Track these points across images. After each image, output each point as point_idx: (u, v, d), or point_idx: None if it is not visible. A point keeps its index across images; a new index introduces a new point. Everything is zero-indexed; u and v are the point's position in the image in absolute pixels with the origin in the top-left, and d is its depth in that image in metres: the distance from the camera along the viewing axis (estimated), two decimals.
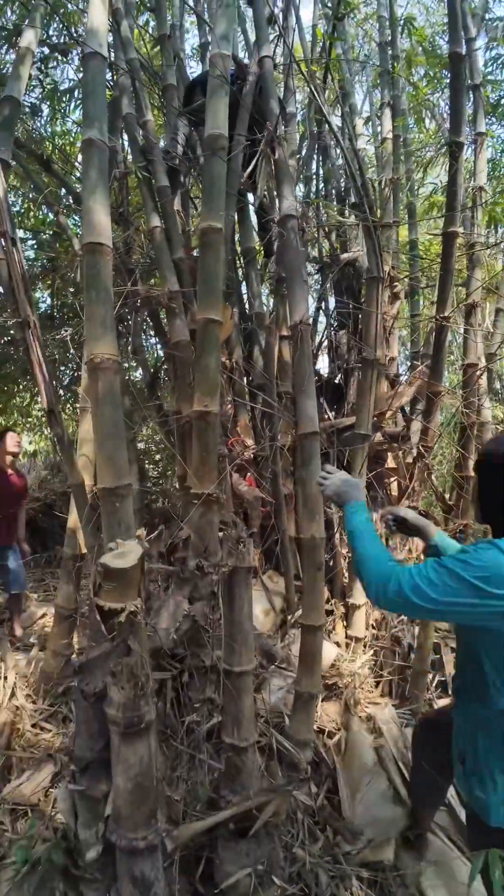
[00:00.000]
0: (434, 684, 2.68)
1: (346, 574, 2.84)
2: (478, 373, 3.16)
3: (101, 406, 1.74)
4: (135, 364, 4.28)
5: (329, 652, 2.54)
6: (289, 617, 2.62)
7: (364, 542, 1.39)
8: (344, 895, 1.73)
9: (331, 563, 2.81)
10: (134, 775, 1.42)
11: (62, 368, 5.01)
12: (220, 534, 2.05)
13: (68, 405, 5.25)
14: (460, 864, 1.86)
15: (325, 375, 3.32)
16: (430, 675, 2.68)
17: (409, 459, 3.11)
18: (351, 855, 1.85)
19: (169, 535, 2.56)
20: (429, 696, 2.57)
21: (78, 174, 4.39)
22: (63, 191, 4.08)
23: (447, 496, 3.46)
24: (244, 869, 1.56)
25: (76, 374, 5.21)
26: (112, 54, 2.90)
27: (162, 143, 2.90)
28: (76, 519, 2.53)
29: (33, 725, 2.31)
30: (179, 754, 1.91)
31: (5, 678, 2.46)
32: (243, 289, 3.11)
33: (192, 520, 2.04)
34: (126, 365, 4.08)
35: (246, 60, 3.36)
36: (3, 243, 2.41)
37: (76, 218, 4.51)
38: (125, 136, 3.12)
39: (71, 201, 3.93)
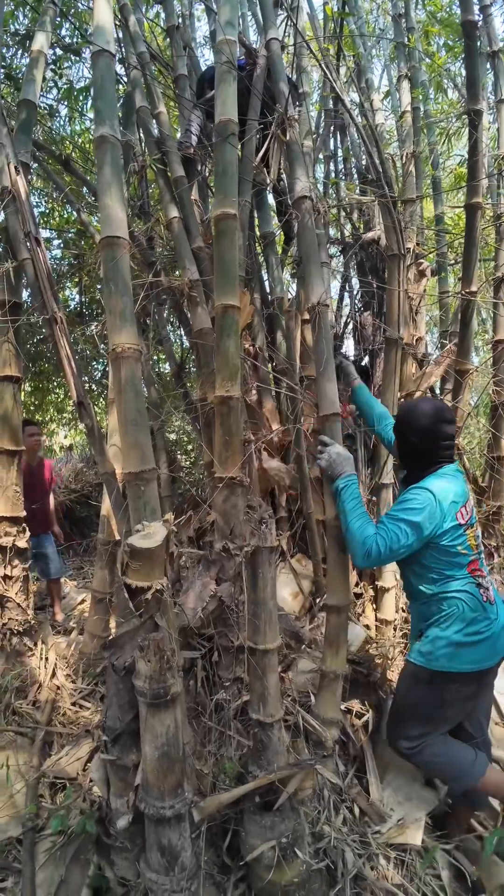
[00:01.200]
0: None
1: None
2: None
3: (124, 394, 1.79)
4: (163, 356, 4.36)
5: (359, 634, 2.55)
6: (317, 600, 2.64)
7: (352, 517, 1.80)
8: (370, 874, 1.75)
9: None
10: (161, 745, 1.49)
11: (93, 364, 5.15)
12: (245, 516, 2.09)
13: (101, 399, 5.40)
14: None
15: (352, 358, 3.29)
16: None
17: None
18: (379, 834, 1.87)
19: (197, 519, 2.62)
20: None
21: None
22: (84, 189, 4.17)
23: (479, 478, 3.38)
24: (268, 842, 1.60)
25: (107, 368, 5.35)
26: (122, 50, 2.94)
27: (178, 135, 2.93)
28: (109, 506, 2.62)
29: (73, 703, 2.42)
30: (209, 731, 1.97)
31: (47, 659, 2.58)
32: (264, 274, 3.11)
33: (217, 503, 2.08)
34: (154, 357, 4.15)
35: (256, 45, 3.33)
36: (28, 244, 2.51)
37: (98, 215, 4.61)
38: (140, 130, 3.17)
39: (92, 199, 4.01)
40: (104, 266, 1.82)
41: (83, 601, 3.68)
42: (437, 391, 3.36)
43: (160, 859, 1.54)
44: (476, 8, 2.57)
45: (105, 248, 1.81)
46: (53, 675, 2.50)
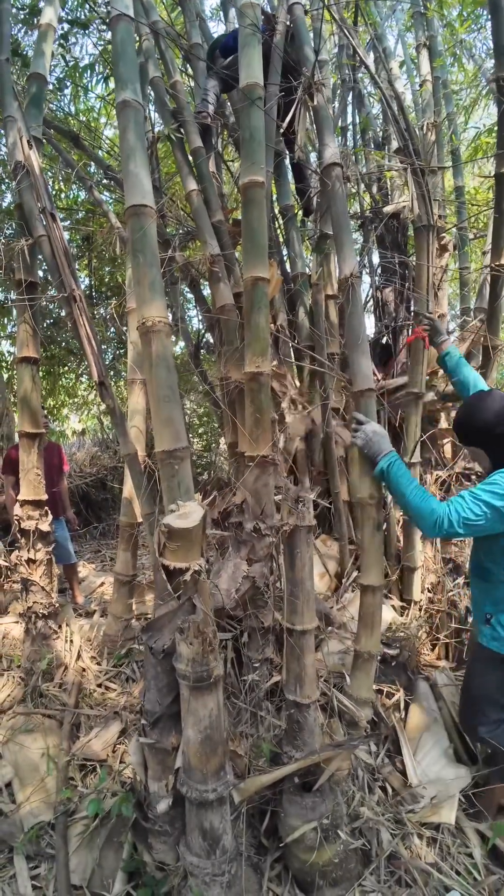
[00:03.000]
0: None
1: (401, 537, 2.79)
2: None
3: (156, 369, 1.73)
4: (176, 337, 4.29)
5: (385, 615, 2.53)
6: (344, 580, 2.61)
7: (408, 490, 1.72)
8: (405, 853, 1.75)
9: (384, 527, 2.76)
10: (204, 728, 1.47)
11: (104, 346, 5.07)
12: (277, 496, 2.04)
13: (113, 382, 5.34)
14: None
15: (372, 336, 3.21)
16: None
17: None
18: (413, 813, 1.86)
19: (222, 501, 2.58)
20: None
21: (106, 149, 4.35)
22: (93, 167, 4.06)
23: None
24: (309, 823, 1.59)
25: (118, 351, 5.28)
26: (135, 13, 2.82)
27: (190, 104, 2.82)
28: (131, 488, 2.58)
29: (99, 685, 2.41)
30: (241, 711, 1.95)
31: (71, 642, 2.57)
32: (283, 249, 3.03)
33: (248, 483, 2.04)
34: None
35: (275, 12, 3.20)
36: (44, 220, 2.43)
37: (108, 194, 4.50)
38: (153, 102, 3.06)
39: (103, 176, 3.91)
40: (131, 236, 1.75)
41: (102, 584, 3.66)
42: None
43: (202, 842, 1.52)
44: None
45: (132, 217, 1.73)
46: (79, 657, 2.49)
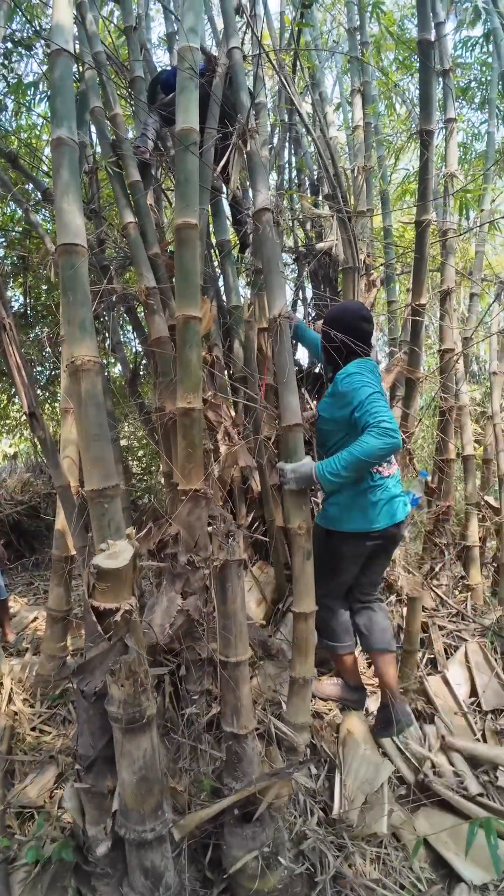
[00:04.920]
0: (423, 662, 2.77)
1: None
2: (455, 357, 3.22)
3: (85, 408, 1.73)
4: (113, 360, 4.25)
5: None
6: (280, 606, 2.67)
7: (345, 463, 1.91)
8: (349, 872, 1.79)
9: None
10: (139, 769, 1.46)
11: (39, 368, 4.94)
12: (210, 528, 2.07)
13: (47, 404, 5.19)
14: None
15: (305, 366, 3.34)
16: (420, 654, 2.76)
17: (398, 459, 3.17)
18: (351, 829, 1.91)
19: (158, 532, 2.57)
20: (419, 673, 2.65)
21: (45, 168, 4.29)
22: (30, 186, 3.99)
23: (429, 479, 3.54)
24: (251, 852, 1.61)
25: (53, 372, 5.15)
26: (77, 47, 2.84)
27: (130, 134, 2.86)
28: (64, 521, 2.53)
29: (32, 729, 2.31)
30: (181, 746, 1.95)
31: (1, 684, 2.46)
32: (220, 282, 3.10)
33: (181, 516, 2.06)
34: (105, 362, 4.04)
35: (214, 51, 3.32)
36: None
37: (45, 213, 4.43)
38: (93, 130, 3.07)
39: (40, 197, 3.85)
40: (62, 275, 1.76)
41: (35, 619, 3.52)
42: (388, 398, 3.48)
43: (144, 882, 1.51)
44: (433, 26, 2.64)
45: (63, 254, 1.74)
46: (10, 700, 2.38)
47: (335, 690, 2.39)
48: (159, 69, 3.37)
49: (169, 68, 3.31)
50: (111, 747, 1.53)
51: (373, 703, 2.43)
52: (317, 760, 2.12)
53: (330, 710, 2.36)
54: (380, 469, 2.14)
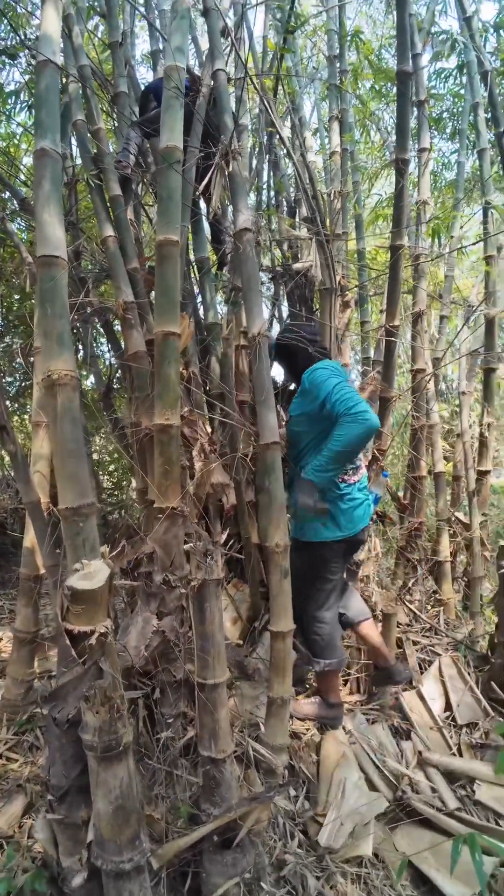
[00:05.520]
0: None
1: None
2: (426, 378, 3.30)
3: (60, 423, 1.69)
4: (85, 372, 4.19)
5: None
6: (256, 624, 2.64)
7: (329, 460, 2.06)
8: (331, 893, 1.76)
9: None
10: (115, 798, 1.41)
11: (9, 379, 4.81)
12: (186, 546, 2.04)
13: (16, 416, 5.06)
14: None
15: (281, 382, 3.37)
16: None
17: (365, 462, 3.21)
18: (334, 853, 1.89)
19: (132, 550, 2.52)
20: (394, 689, 2.66)
21: (23, 177, 4.24)
22: (7, 195, 3.93)
23: (401, 495, 3.60)
24: (231, 879, 1.57)
25: (23, 384, 5.03)
26: (62, 58, 2.83)
27: (111, 148, 2.85)
28: (33, 538, 2.44)
29: None
30: (156, 772, 1.89)
31: None
32: (198, 298, 3.11)
33: (157, 534, 2.02)
34: (81, 373, 3.98)
35: (197, 70, 3.37)
36: None
37: (20, 222, 4.36)
38: (74, 142, 3.06)
39: (16, 205, 3.79)
40: (41, 287, 1.73)
41: (0, 639, 3.38)
42: None
43: None
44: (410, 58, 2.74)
45: (42, 266, 1.71)
46: None
47: (313, 709, 2.38)
48: (143, 86, 3.39)
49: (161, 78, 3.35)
50: (85, 776, 1.48)
51: (349, 721, 2.42)
52: (296, 782, 2.09)
53: (308, 729, 2.34)
54: (345, 477, 2.26)
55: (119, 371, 3.29)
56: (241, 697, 2.30)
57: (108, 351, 3.98)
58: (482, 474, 3.66)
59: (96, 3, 3.70)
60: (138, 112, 3.20)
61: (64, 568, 1.88)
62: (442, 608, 3.36)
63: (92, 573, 1.51)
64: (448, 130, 5.04)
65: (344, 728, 2.38)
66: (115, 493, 5.04)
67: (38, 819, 1.66)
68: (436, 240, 3.73)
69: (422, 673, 2.82)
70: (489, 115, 3.77)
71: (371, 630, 2.53)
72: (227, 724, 1.74)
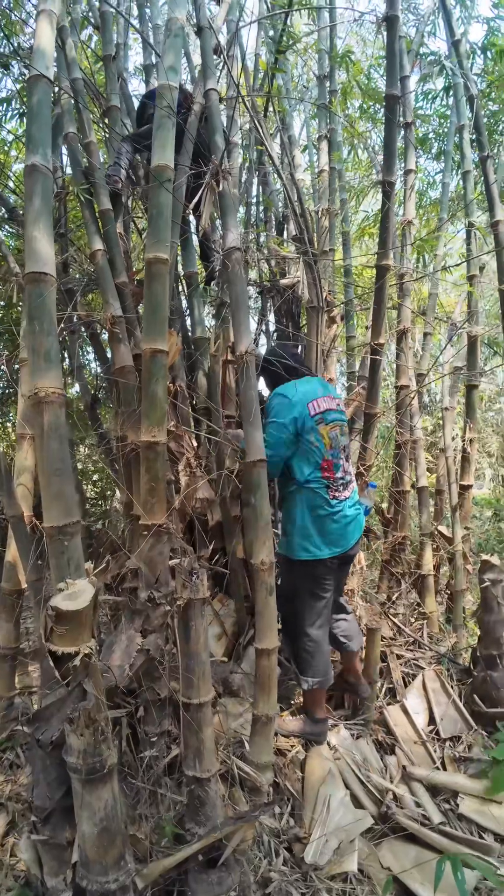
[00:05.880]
0: (383, 692, 2.80)
1: None
2: (410, 394, 3.36)
3: (47, 440, 1.69)
4: (71, 381, 4.16)
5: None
6: (241, 639, 2.64)
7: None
8: None
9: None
10: (100, 820, 1.40)
11: None
12: (172, 563, 2.04)
13: None
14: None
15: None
16: (379, 684, 2.79)
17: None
18: (319, 870, 1.88)
19: (115, 564, 2.51)
20: (378, 703, 2.68)
21: (11, 185, 4.22)
22: None
23: (385, 509, 3.64)
24: None
25: (6, 391, 4.97)
26: (55, 69, 2.84)
27: (102, 158, 2.86)
28: (15, 552, 2.42)
29: None
30: (139, 791, 1.87)
31: None
32: (186, 312, 3.12)
33: (143, 551, 2.02)
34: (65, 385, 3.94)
35: (189, 86, 3.40)
36: None
37: (7, 228, 4.34)
38: (64, 152, 3.06)
39: (4, 213, 3.77)
40: (29, 303, 1.73)
41: None
42: (346, 430, 3.58)
43: None
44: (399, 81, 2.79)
45: (31, 282, 1.71)
46: None
47: (298, 726, 2.38)
48: (136, 99, 3.41)
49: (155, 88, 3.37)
50: (69, 798, 1.46)
51: (334, 737, 2.42)
52: (280, 799, 2.09)
53: (293, 746, 2.34)
54: (335, 494, 2.27)
55: (105, 384, 3.28)
56: (226, 715, 2.30)
57: (95, 361, 3.97)
58: (464, 488, 3.72)
59: (90, 15, 3.71)
60: (136, 119, 3.20)
61: (48, 585, 1.87)
62: (425, 621, 3.39)
63: (76, 593, 1.50)
64: (434, 150, 5.16)
65: (329, 744, 2.39)
66: (99, 503, 4.99)
67: (23, 839, 1.64)
68: (420, 259, 3.82)
69: (405, 687, 2.84)
70: (474, 137, 3.87)
71: (356, 661, 2.64)
72: (212, 743, 1.74)
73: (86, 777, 1.37)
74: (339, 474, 2.30)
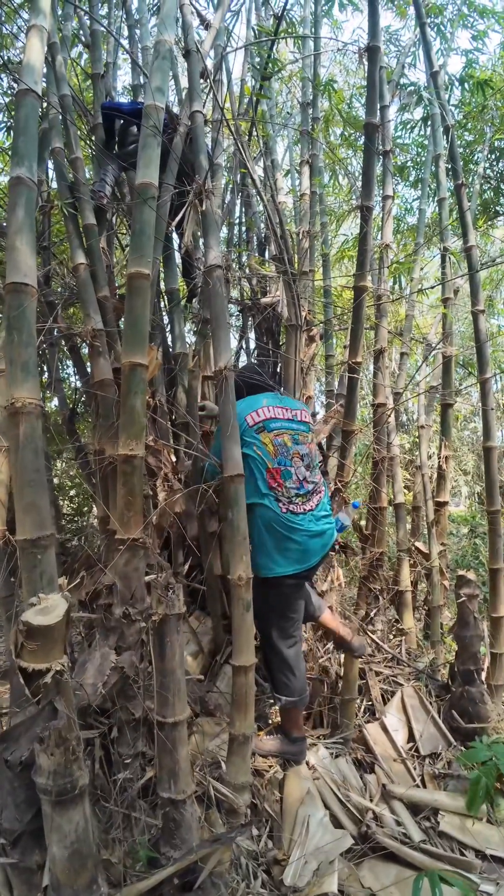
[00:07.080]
0: (362, 710, 2.78)
1: None
2: (387, 412, 3.42)
3: (22, 452, 1.67)
4: (50, 394, 4.12)
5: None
6: (218, 657, 2.60)
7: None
8: None
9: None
10: (70, 843, 1.35)
11: None
12: (148, 578, 2.01)
13: None
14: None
15: None
16: (358, 702, 2.78)
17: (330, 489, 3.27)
18: (299, 891, 1.84)
19: (91, 580, 2.46)
20: (358, 721, 2.66)
21: None
22: None
23: (363, 526, 3.66)
24: None
25: None
26: (43, 84, 2.87)
27: (88, 174, 2.89)
28: None
29: None
30: (113, 815, 1.81)
31: None
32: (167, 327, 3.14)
33: (118, 566, 1.99)
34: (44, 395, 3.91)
35: (175, 108, 3.47)
36: None
37: None
38: (50, 167, 3.08)
39: None
40: (8, 314, 1.72)
41: None
42: (324, 447, 3.61)
43: None
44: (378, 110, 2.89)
45: (11, 293, 1.71)
46: None
47: (276, 745, 2.34)
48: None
49: (124, 101, 3.42)
50: (39, 820, 1.41)
51: (312, 756, 2.39)
52: (258, 821, 2.04)
53: (270, 766, 2.30)
54: (291, 507, 2.20)
55: (84, 396, 3.26)
56: (202, 735, 2.25)
57: (74, 374, 3.94)
58: (440, 505, 3.77)
59: (81, 33, 3.78)
60: (118, 135, 3.23)
61: (19, 600, 1.82)
62: (404, 638, 3.40)
63: (49, 608, 1.47)
64: (412, 178, 5.36)
65: (307, 763, 2.35)
66: (76, 518, 4.91)
67: None
68: (397, 281, 3.92)
69: (385, 704, 2.83)
70: (449, 166, 4.03)
71: (329, 619, 2.63)
72: (188, 764, 1.70)
73: (56, 798, 1.33)
74: (290, 483, 2.20)
